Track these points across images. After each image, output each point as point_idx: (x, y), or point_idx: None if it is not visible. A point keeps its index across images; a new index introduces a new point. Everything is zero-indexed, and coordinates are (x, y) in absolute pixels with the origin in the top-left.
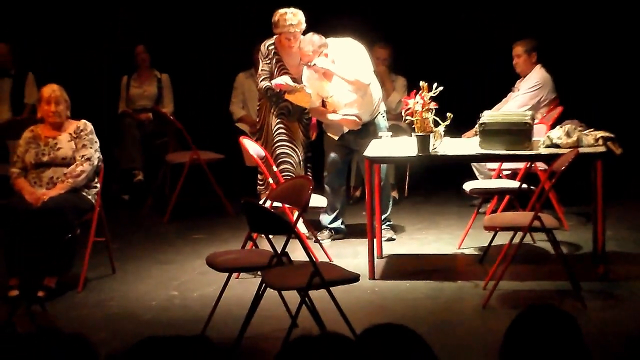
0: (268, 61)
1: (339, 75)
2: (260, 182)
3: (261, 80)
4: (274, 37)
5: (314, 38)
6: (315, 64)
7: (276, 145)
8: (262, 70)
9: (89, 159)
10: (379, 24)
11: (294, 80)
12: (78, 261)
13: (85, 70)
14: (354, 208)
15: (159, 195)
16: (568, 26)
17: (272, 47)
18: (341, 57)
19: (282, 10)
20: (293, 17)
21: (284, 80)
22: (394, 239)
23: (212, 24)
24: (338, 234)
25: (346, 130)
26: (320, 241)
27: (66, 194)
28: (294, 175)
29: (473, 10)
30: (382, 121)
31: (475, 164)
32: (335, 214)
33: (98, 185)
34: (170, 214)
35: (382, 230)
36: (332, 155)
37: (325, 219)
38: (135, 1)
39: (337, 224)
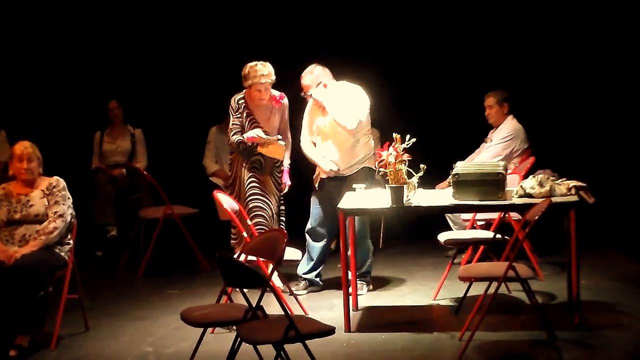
0: (239, 115)
1: (329, 110)
2: (234, 236)
3: (232, 135)
4: (244, 91)
5: (315, 69)
6: (311, 94)
7: (249, 198)
8: (233, 124)
9: (61, 216)
10: (353, 77)
11: (266, 133)
12: (51, 319)
13: (57, 126)
14: (333, 260)
15: (133, 251)
16: (540, 77)
17: (242, 101)
18: (339, 98)
19: (252, 63)
20: (263, 67)
21: (256, 133)
22: (370, 290)
23: (185, 78)
24: (312, 286)
25: (324, 176)
26: (295, 292)
27: (38, 251)
28: (267, 229)
29: (444, 62)
30: (368, 175)
31: (449, 214)
32: (312, 265)
33: (71, 241)
34: (145, 269)
35: (358, 283)
36: (313, 203)
37: (301, 268)
38: (108, 56)
39: (312, 275)
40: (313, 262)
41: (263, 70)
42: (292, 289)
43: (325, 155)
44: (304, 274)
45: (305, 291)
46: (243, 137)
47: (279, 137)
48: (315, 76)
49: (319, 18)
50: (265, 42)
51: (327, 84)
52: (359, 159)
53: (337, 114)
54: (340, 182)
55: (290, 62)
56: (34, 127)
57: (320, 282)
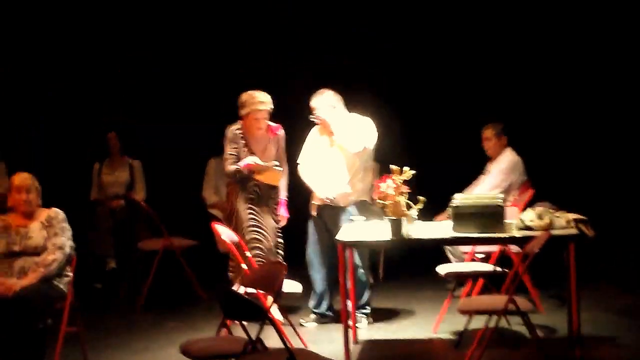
0: (235, 145)
1: (335, 131)
2: (232, 268)
3: (229, 165)
4: (239, 121)
5: (327, 92)
6: (318, 114)
7: (246, 230)
8: (228, 154)
9: (60, 248)
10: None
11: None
12: (50, 352)
13: (56, 157)
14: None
15: (132, 283)
16: (540, 109)
17: (238, 131)
18: (347, 124)
19: (249, 91)
20: (262, 95)
21: (252, 160)
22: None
23: (183, 109)
24: (325, 318)
25: (319, 202)
26: (304, 324)
27: (38, 284)
28: (265, 261)
29: (441, 94)
30: (364, 209)
31: (448, 247)
32: (316, 298)
33: (70, 274)
34: (144, 301)
35: (357, 316)
36: (310, 231)
37: (310, 302)
38: (106, 88)
39: (322, 309)
40: (317, 295)
41: (261, 97)
42: (301, 320)
43: (323, 182)
44: (313, 308)
45: (315, 324)
46: (239, 166)
47: (276, 163)
48: (326, 98)
49: (319, 18)
50: (265, 42)
51: (337, 107)
52: (356, 190)
53: (342, 136)
54: (335, 212)
55: (290, 62)
56: (34, 127)
57: (332, 314)
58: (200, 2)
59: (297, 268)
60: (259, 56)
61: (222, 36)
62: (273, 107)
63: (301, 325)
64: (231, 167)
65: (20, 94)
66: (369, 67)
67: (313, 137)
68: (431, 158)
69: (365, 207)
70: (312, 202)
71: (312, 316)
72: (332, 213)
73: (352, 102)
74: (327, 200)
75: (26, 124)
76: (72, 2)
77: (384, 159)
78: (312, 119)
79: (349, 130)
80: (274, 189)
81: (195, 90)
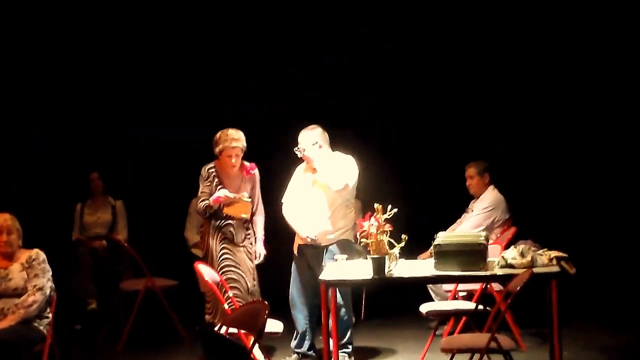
0: (208, 183)
1: (318, 168)
2: (208, 310)
3: (200, 202)
4: (214, 161)
5: (316, 130)
6: (304, 150)
7: (222, 271)
8: (201, 192)
9: (40, 289)
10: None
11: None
12: None
13: (37, 198)
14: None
15: (113, 324)
16: (520, 148)
17: (213, 169)
18: (331, 162)
19: (223, 130)
20: (235, 132)
21: (222, 193)
22: None
23: (165, 150)
24: (306, 358)
25: (301, 242)
26: None
27: (17, 326)
28: (243, 301)
29: (423, 133)
30: (346, 248)
31: (431, 285)
32: (298, 338)
33: (50, 315)
34: (125, 342)
35: (340, 355)
36: (293, 271)
37: (293, 342)
38: (87, 129)
39: (304, 348)
40: (299, 335)
41: (234, 135)
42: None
43: (305, 221)
44: (294, 347)
45: None
46: (209, 201)
47: (245, 194)
48: (311, 135)
49: (319, 18)
50: (265, 42)
51: (323, 146)
52: (338, 228)
53: (325, 174)
54: (318, 252)
55: (290, 62)
56: (34, 127)
57: (314, 354)
58: (200, 2)
59: (280, 307)
60: (259, 56)
61: (222, 36)
62: (245, 145)
63: None
64: (201, 204)
65: (20, 94)
66: (369, 67)
67: (297, 175)
68: (415, 196)
69: (348, 246)
70: (295, 241)
71: (294, 356)
72: (314, 252)
73: (337, 138)
74: (308, 240)
75: (26, 124)
76: (72, 2)
77: (366, 198)
78: (296, 152)
79: (330, 168)
80: (249, 229)
81: (195, 91)
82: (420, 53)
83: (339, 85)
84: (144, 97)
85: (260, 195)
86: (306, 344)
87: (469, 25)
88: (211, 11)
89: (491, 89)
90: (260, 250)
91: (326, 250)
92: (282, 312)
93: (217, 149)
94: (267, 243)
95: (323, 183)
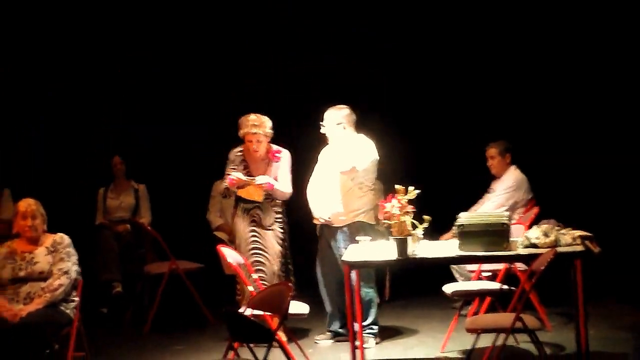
0: (234, 167)
1: (332, 149)
2: (239, 292)
3: (222, 184)
4: (243, 144)
5: (343, 110)
6: (323, 127)
7: (250, 253)
8: (226, 175)
9: (66, 273)
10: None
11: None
12: None
13: (61, 183)
14: None
15: (138, 307)
16: (543, 126)
17: (240, 153)
18: (348, 144)
19: (248, 114)
20: (256, 118)
21: (235, 175)
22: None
23: (187, 132)
24: (339, 337)
25: (316, 221)
26: (317, 341)
27: (44, 309)
28: (268, 284)
29: (445, 112)
30: (362, 230)
31: (454, 265)
32: (328, 315)
33: (76, 298)
34: (150, 325)
35: (364, 336)
36: (319, 244)
37: (327, 321)
38: (106, 88)
39: (335, 327)
40: (328, 313)
41: (255, 121)
42: (316, 338)
43: (319, 201)
44: (327, 326)
45: (329, 342)
46: (226, 183)
47: (258, 178)
48: (338, 115)
49: (319, 18)
50: (265, 42)
51: (347, 128)
52: (350, 210)
53: (336, 155)
54: (332, 231)
55: (290, 62)
56: (34, 127)
57: (345, 332)
58: (200, 2)
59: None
60: (259, 56)
61: (222, 36)
62: (270, 130)
63: (316, 343)
64: (221, 186)
65: (20, 94)
66: (369, 67)
67: (322, 156)
68: (437, 177)
69: (363, 228)
70: (313, 221)
71: (326, 334)
72: (329, 233)
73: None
74: (321, 220)
75: (26, 124)
76: (72, 2)
77: (389, 179)
78: (320, 127)
79: (344, 149)
80: (279, 213)
81: (194, 91)
82: (420, 53)
83: (339, 85)
84: (144, 97)
85: (288, 178)
86: (336, 323)
87: (469, 24)
88: (211, 11)
89: (491, 89)
90: (262, 180)
91: (340, 231)
92: (309, 293)
93: (239, 133)
94: (300, 225)
95: (334, 164)
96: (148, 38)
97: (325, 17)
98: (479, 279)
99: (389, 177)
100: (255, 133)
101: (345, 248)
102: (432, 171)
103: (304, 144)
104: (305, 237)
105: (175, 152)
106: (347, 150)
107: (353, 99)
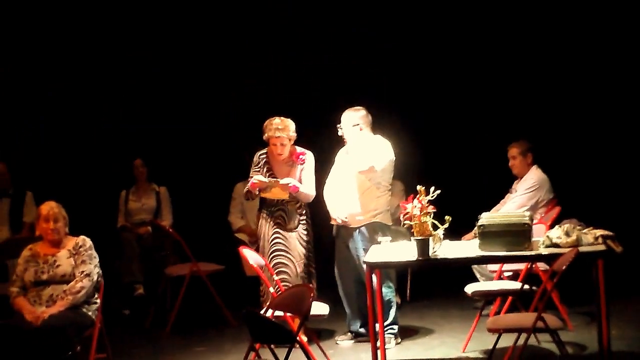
0: (257, 169)
1: (350, 150)
2: (262, 293)
3: (246, 187)
4: (267, 147)
5: (360, 111)
6: (340, 129)
7: (272, 255)
8: (250, 177)
9: (88, 275)
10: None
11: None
12: None
13: (83, 185)
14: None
15: (160, 309)
16: (564, 125)
17: (264, 156)
18: (365, 145)
19: (273, 117)
20: (280, 122)
21: (257, 178)
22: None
23: (208, 135)
24: (360, 337)
25: (333, 222)
26: (338, 342)
27: (66, 311)
28: (290, 285)
29: (464, 114)
30: (379, 231)
31: (476, 266)
32: (348, 316)
33: (98, 301)
34: (172, 326)
35: (386, 336)
36: (336, 245)
37: (347, 321)
38: (132, 116)
39: (355, 327)
40: (348, 313)
41: (279, 125)
42: (337, 339)
43: (336, 202)
44: (348, 327)
45: (350, 342)
46: (248, 186)
47: (284, 180)
48: (355, 116)
49: (319, 18)
50: (265, 42)
51: (363, 129)
52: (368, 211)
53: (354, 155)
54: (349, 232)
55: (290, 62)
56: (34, 127)
57: (366, 332)
58: (200, 2)
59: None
60: (259, 56)
61: (222, 36)
62: (293, 134)
63: (336, 344)
64: (244, 189)
65: (20, 94)
66: (369, 67)
67: (338, 157)
68: (458, 177)
69: (380, 229)
70: (331, 222)
71: (347, 334)
72: (346, 233)
73: (338, 137)
74: (339, 221)
75: (26, 124)
76: (72, 2)
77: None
78: (338, 129)
79: (362, 150)
80: (303, 215)
81: (195, 91)
82: (420, 53)
83: (339, 85)
84: (144, 97)
85: (312, 179)
86: (357, 323)
87: (469, 24)
88: (211, 11)
89: (491, 88)
90: (286, 181)
91: (358, 231)
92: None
93: (264, 136)
94: (318, 226)
95: (351, 164)
96: (148, 38)
97: (325, 17)
98: (500, 278)
99: (409, 177)
100: (279, 137)
101: (363, 248)
102: (454, 171)
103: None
104: (324, 238)
105: (196, 154)
106: (365, 151)
107: (353, 98)
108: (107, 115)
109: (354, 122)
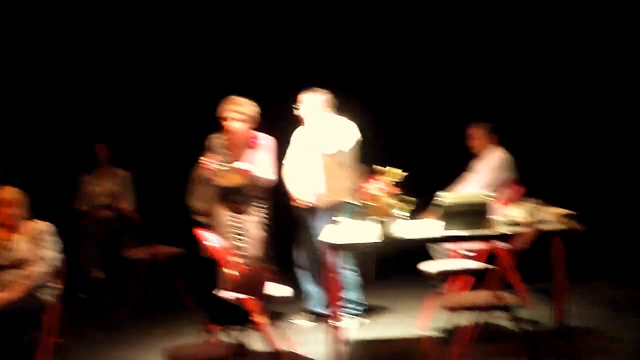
0: (212, 152)
1: (311, 131)
2: (219, 276)
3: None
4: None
5: (319, 92)
6: (299, 108)
7: (228, 238)
8: (201, 161)
9: (44, 259)
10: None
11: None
12: None
13: (43, 169)
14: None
15: (118, 292)
16: (525, 105)
17: (221, 139)
18: (329, 125)
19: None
20: (237, 99)
21: (208, 161)
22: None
23: (170, 118)
24: (319, 317)
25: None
26: (294, 322)
27: (23, 297)
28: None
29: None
30: (344, 209)
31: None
32: (309, 296)
33: (57, 285)
34: (131, 310)
35: (347, 316)
36: (297, 225)
37: (307, 302)
38: (106, 89)
39: (312, 307)
40: (308, 294)
41: (234, 100)
42: (291, 319)
43: (299, 183)
44: (307, 307)
45: (309, 323)
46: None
47: (236, 164)
48: (313, 97)
49: (319, 18)
50: (265, 42)
51: (322, 109)
52: (333, 192)
53: (317, 137)
54: (312, 213)
55: (290, 62)
56: (34, 127)
57: (323, 313)
58: (200, 2)
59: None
60: (259, 56)
61: (222, 36)
62: (249, 114)
63: (296, 324)
64: (199, 172)
65: (20, 94)
66: (369, 67)
67: (295, 138)
68: (412, 156)
69: (344, 208)
70: (291, 203)
71: (308, 315)
72: (311, 213)
73: (342, 103)
74: (306, 203)
75: (26, 124)
76: (72, 2)
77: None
78: (294, 109)
79: (326, 131)
80: (260, 198)
81: (195, 91)
82: (420, 53)
83: (339, 85)
84: (144, 97)
85: (269, 164)
86: (315, 303)
87: (469, 24)
88: (211, 11)
89: (491, 88)
90: (238, 165)
91: (321, 212)
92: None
93: (218, 113)
94: (278, 207)
95: (317, 146)
96: (148, 38)
97: (325, 17)
98: (457, 256)
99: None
100: (231, 116)
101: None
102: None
103: None
104: (285, 220)
105: (155, 139)
106: (330, 132)
107: (353, 98)
108: (107, 115)
109: (316, 102)
